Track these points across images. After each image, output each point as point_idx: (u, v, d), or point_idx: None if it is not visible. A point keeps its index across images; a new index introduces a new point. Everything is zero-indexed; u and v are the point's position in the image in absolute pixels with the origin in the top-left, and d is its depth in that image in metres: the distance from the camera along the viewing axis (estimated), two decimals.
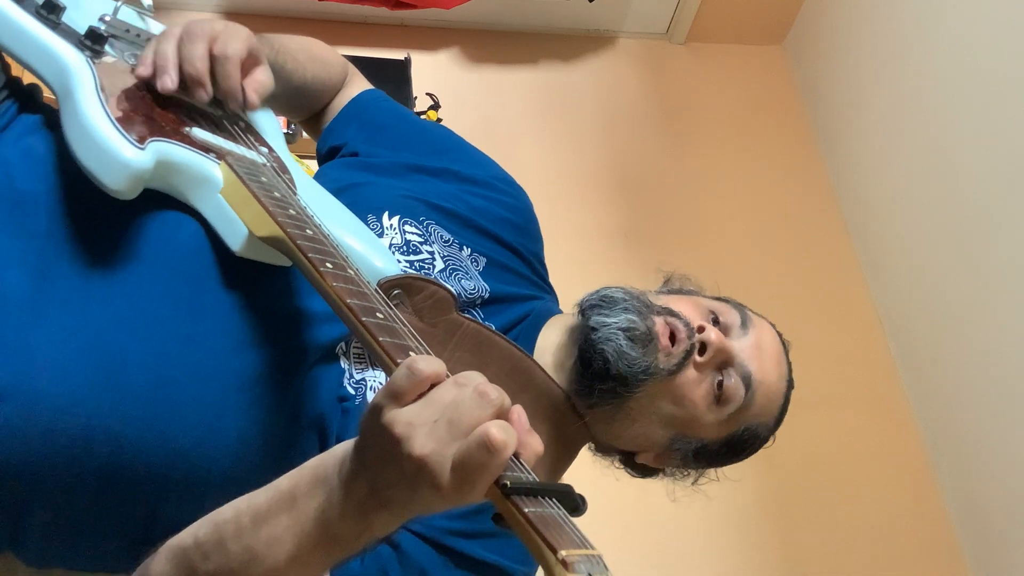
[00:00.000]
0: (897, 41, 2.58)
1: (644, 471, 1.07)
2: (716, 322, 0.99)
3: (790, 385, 1.04)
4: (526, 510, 0.54)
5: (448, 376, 0.61)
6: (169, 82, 0.84)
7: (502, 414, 0.58)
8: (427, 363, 0.60)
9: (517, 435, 0.57)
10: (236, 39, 0.87)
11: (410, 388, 0.59)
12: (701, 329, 0.97)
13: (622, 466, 1.08)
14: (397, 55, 2.61)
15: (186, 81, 0.85)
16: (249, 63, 0.90)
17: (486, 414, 0.57)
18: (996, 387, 2.17)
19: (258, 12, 2.72)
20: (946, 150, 2.37)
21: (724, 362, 0.97)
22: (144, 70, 0.85)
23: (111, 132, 0.75)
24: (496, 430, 0.55)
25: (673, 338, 0.97)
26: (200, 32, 0.86)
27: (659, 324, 0.97)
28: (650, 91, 2.95)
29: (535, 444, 0.59)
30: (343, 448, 0.65)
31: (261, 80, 0.91)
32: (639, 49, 3.05)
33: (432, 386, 0.60)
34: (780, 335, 1.05)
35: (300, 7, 2.72)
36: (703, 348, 0.96)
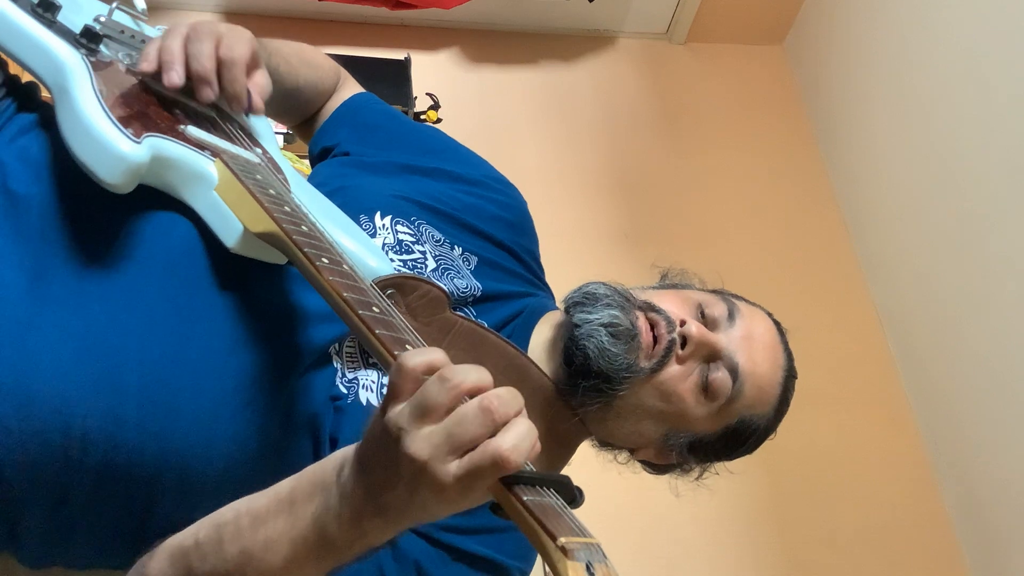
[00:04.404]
0: (897, 41, 2.58)
1: (658, 467, 1.07)
2: (704, 315, 1.00)
3: (790, 374, 1.03)
4: (525, 499, 0.55)
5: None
6: (176, 77, 0.84)
7: (505, 424, 0.58)
8: (414, 357, 0.60)
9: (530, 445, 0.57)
10: (242, 42, 0.87)
11: (402, 386, 0.59)
12: (682, 323, 0.97)
13: (639, 463, 1.08)
14: (397, 55, 2.61)
15: (192, 79, 0.85)
16: (250, 67, 0.90)
17: (487, 432, 0.57)
18: (996, 387, 2.17)
19: (258, 12, 2.73)
20: (946, 150, 2.36)
21: (711, 355, 0.97)
22: (148, 65, 0.85)
23: (107, 126, 0.75)
24: (510, 450, 0.56)
25: (655, 334, 0.97)
26: (207, 32, 0.86)
27: (641, 319, 0.98)
28: (650, 91, 2.95)
29: (536, 445, 0.59)
30: (343, 453, 0.65)
31: (263, 84, 0.91)
32: (639, 49, 3.05)
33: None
34: (778, 324, 1.05)
35: (300, 7, 2.73)
36: (685, 342, 0.97)
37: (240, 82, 0.87)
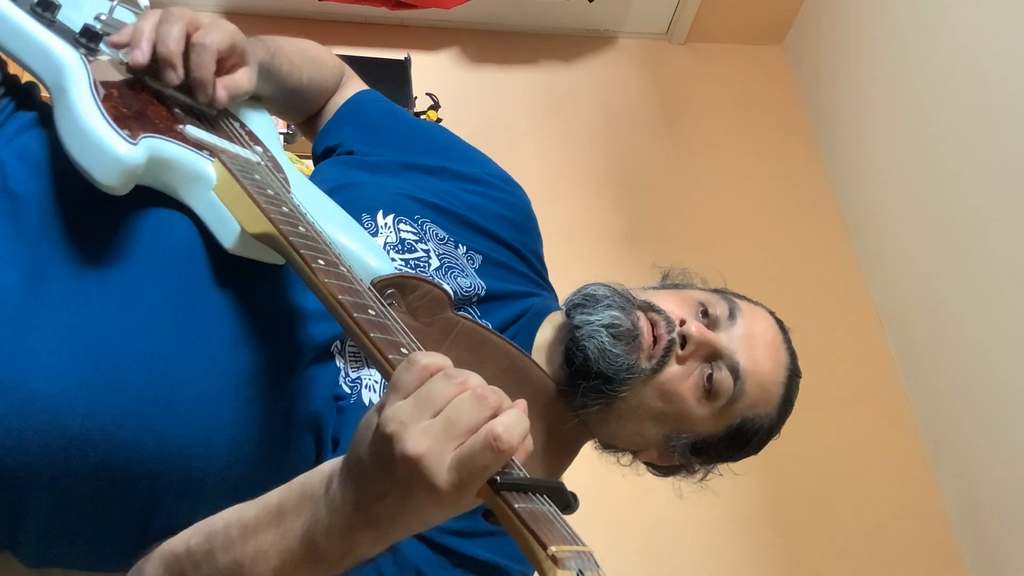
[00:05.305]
0: (897, 41, 2.58)
1: (662, 469, 1.07)
2: (705, 314, 0.99)
3: (793, 373, 1.02)
4: (516, 506, 0.54)
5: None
6: (139, 55, 0.83)
7: (498, 415, 0.58)
8: (426, 356, 0.60)
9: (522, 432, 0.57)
10: (218, 31, 0.86)
11: (408, 381, 0.59)
12: (683, 322, 0.97)
13: (643, 466, 1.07)
14: (397, 55, 2.61)
15: (157, 61, 0.84)
16: (232, 61, 0.90)
17: (484, 416, 0.57)
18: (996, 387, 2.17)
19: (258, 12, 2.73)
20: (946, 150, 2.36)
21: (712, 354, 0.97)
22: (120, 38, 0.84)
23: (103, 128, 0.75)
24: (503, 430, 0.55)
25: (655, 334, 0.96)
26: (180, 15, 0.85)
27: (642, 320, 0.97)
28: (650, 91, 2.95)
29: (527, 441, 0.58)
30: (330, 465, 0.65)
31: (237, 80, 0.90)
32: (639, 49, 3.05)
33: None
34: (781, 323, 1.05)
35: (300, 7, 2.73)
36: (685, 341, 0.96)
37: (206, 69, 0.86)
